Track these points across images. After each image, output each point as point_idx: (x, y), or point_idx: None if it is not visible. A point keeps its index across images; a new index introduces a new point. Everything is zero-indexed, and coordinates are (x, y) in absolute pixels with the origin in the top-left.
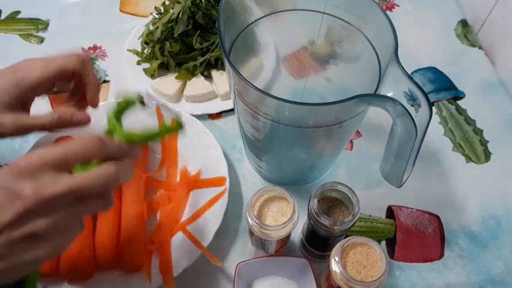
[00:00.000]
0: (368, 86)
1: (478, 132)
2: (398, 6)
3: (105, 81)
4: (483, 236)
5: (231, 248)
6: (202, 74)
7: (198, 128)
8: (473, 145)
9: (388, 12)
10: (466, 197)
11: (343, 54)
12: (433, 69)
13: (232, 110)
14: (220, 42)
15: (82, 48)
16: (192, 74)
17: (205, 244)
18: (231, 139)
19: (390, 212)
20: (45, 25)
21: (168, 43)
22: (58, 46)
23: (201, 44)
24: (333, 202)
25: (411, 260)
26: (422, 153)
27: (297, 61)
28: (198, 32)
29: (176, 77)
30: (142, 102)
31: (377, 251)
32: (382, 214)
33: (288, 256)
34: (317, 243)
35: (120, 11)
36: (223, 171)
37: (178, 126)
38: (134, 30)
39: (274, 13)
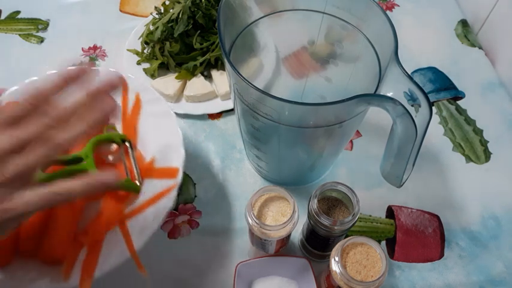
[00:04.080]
0: (368, 86)
1: (478, 132)
2: (398, 6)
3: None
4: (483, 236)
5: (231, 248)
6: (202, 74)
7: (161, 108)
8: (473, 145)
9: (388, 12)
10: (466, 197)
11: (343, 54)
12: (433, 69)
13: (232, 110)
14: (220, 42)
15: (82, 48)
16: (192, 74)
17: (136, 247)
18: (231, 139)
19: (390, 212)
20: (45, 25)
21: (168, 43)
22: (58, 46)
23: (201, 44)
24: (333, 202)
25: (411, 260)
26: (422, 153)
27: (297, 61)
28: (198, 31)
29: (176, 77)
30: (123, 141)
31: (377, 251)
32: (382, 214)
33: (288, 256)
34: (317, 243)
35: (120, 11)
36: (177, 162)
37: (134, 188)
38: (134, 30)
39: (274, 13)
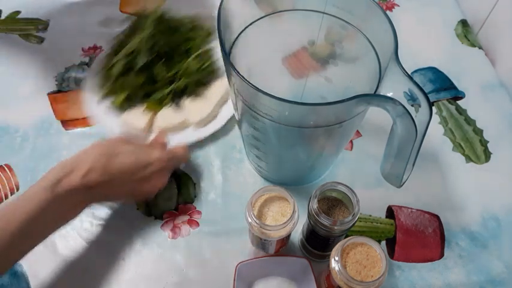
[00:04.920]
0: (368, 86)
1: (478, 132)
2: (398, 6)
3: None
4: (483, 236)
5: (231, 248)
6: (173, 101)
7: None
8: (473, 145)
9: (388, 12)
10: (466, 197)
11: (343, 54)
12: (433, 69)
13: (210, 135)
14: (220, 42)
15: (82, 48)
16: (160, 104)
17: None
18: (231, 139)
19: (390, 212)
20: (45, 25)
21: (131, 76)
22: (58, 46)
23: (167, 73)
24: (333, 202)
25: (411, 260)
26: (422, 153)
27: (297, 61)
28: (163, 60)
29: (144, 110)
30: None
31: (377, 251)
32: (382, 214)
33: (288, 256)
34: (317, 243)
35: (120, 11)
36: None
37: None
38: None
39: (274, 13)
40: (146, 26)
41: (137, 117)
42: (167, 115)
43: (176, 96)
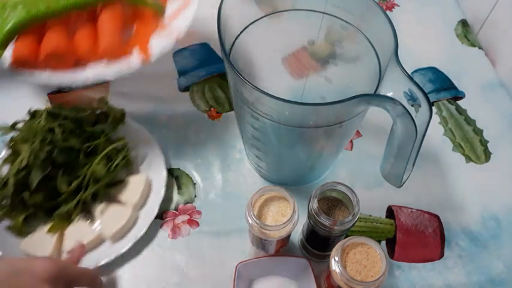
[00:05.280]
0: (368, 86)
1: (478, 132)
2: (398, 6)
3: (104, 81)
4: (483, 236)
5: (231, 248)
6: (82, 213)
7: None
8: (473, 145)
9: (388, 12)
10: (466, 197)
11: (343, 54)
12: (433, 69)
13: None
14: (220, 42)
15: None
16: (67, 220)
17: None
18: (231, 139)
19: (390, 212)
20: None
21: (27, 194)
22: None
23: (69, 184)
24: (333, 202)
25: (411, 260)
26: (422, 153)
27: (297, 61)
28: (62, 169)
29: (49, 231)
30: None
31: (377, 251)
32: (382, 214)
33: (288, 256)
34: (317, 243)
35: None
36: None
37: (159, 8)
38: None
39: (274, 13)
40: (36, 134)
41: (40, 242)
42: (77, 232)
43: (85, 207)
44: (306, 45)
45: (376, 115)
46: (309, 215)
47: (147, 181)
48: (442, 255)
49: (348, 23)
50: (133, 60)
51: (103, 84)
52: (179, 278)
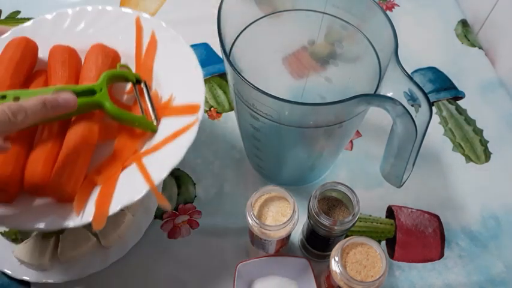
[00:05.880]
0: (368, 86)
1: (478, 132)
2: (398, 6)
3: None
4: (483, 236)
5: (231, 248)
6: None
7: (179, 48)
8: (473, 145)
9: (388, 12)
10: (466, 197)
11: (343, 54)
12: (433, 69)
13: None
14: (220, 42)
15: None
16: None
17: (156, 181)
18: (231, 139)
19: (390, 212)
20: None
21: None
22: None
23: None
24: (333, 202)
25: (411, 260)
26: (422, 153)
27: (297, 61)
28: None
29: (44, 237)
30: (138, 81)
31: (377, 251)
32: (382, 214)
33: (288, 256)
34: (317, 243)
35: None
36: (198, 98)
37: (149, 126)
38: None
39: (274, 13)
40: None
41: (35, 249)
42: (73, 238)
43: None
44: (306, 45)
45: (376, 115)
46: (309, 215)
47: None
48: (442, 255)
49: (348, 23)
50: (86, 212)
51: None
52: (179, 278)
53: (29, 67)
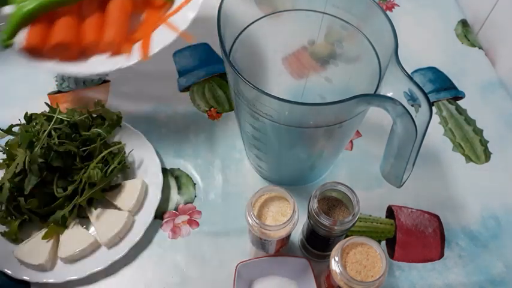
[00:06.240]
0: (368, 86)
1: (478, 132)
2: (398, 6)
3: (105, 81)
4: (483, 236)
5: (231, 248)
6: (78, 217)
7: None
8: (473, 145)
9: (388, 12)
10: (466, 197)
11: (343, 54)
12: (433, 69)
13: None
14: (220, 42)
15: None
16: (63, 225)
17: (181, 28)
18: (231, 139)
19: (390, 212)
20: None
21: (21, 199)
22: None
23: (65, 189)
24: (333, 202)
25: (411, 260)
26: (422, 153)
27: (297, 61)
28: (57, 175)
29: (44, 237)
30: None
31: (377, 251)
32: (382, 214)
33: (288, 256)
34: (317, 243)
35: None
36: None
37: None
38: None
39: (274, 13)
40: (32, 138)
41: (35, 249)
42: (72, 238)
43: (81, 212)
44: (306, 45)
45: (376, 115)
46: (309, 215)
47: (143, 185)
48: (442, 255)
49: (348, 23)
50: (134, 55)
51: (103, 84)
52: (179, 278)
53: None
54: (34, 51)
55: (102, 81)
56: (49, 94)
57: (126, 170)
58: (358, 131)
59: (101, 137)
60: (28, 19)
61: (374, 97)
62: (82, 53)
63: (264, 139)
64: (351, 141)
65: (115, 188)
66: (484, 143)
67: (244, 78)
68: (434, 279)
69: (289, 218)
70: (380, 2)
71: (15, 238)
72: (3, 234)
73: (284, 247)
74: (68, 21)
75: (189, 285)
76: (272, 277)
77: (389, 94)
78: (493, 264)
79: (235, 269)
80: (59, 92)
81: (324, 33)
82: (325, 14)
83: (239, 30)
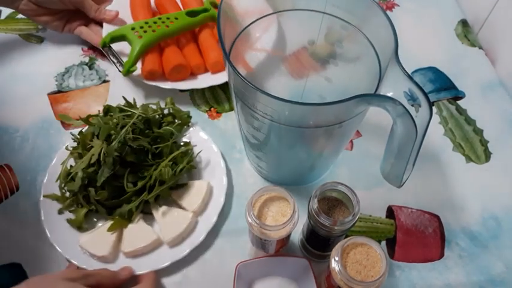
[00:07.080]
0: (368, 86)
1: (478, 132)
2: (398, 6)
3: (104, 81)
4: (483, 236)
5: (231, 248)
6: (143, 212)
7: None
8: (473, 145)
9: (388, 12)
10: (466, 197)
11: (343, 54)
12: (433, 69)
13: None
14: (220, 42)
15: (82, 48)
16: (128, 220)
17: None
18: (231, 139)
19: (390, 212)
20: None
21: (92, 190)
22: (58, 46)
23: (135, 184)
24: (333, 202)
25: (411, 260)
26: (422, 153)
27: (297, 61)
28: (128, 169)
29: (109, 229)
30: None
31: (377, 251)
32: (382, 214)
33: (288, 256)
34: (317, 243)
35: None
36: None
37: None
38: (52, 162)
39: (274, 13)
40: (109, 131)
41: (99, 241)
42: (136, 234)
43: (147, 208)
44: (306, 45)
45: (376, 115)
46: (309, 215)
47: (209, 187)
48: (442, 255)
49: (348, 23)
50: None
51: (103, 84)
52: (179, 278)
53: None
54: (154, 75)
55: (102, 81)
56: (49, 94)
57: (193, 170)
58: (358, 131)
59: (173, 136)
60: (144, 51)
61: (374, 97)
62: (191, 73)
63: (264, 139)
64: (351, 141)
65: (181, 187)
66: (484, 143)
67: (244, 79)
68: (434, 279)
69: (289, 218)
70: (380, 2)
71: (80, 226)
72: (69, 221)
73: (284, 247)
74: (175, 50)
75: (188, 285)
76: (272, 277)
77: (390, 94)
78: (493, 265)
79: (235, 269)
80: (59, 92)
81: (324, 33)
82: (325, 14)
83: (239, 30)
